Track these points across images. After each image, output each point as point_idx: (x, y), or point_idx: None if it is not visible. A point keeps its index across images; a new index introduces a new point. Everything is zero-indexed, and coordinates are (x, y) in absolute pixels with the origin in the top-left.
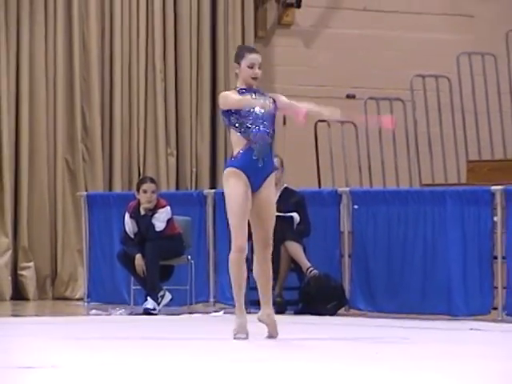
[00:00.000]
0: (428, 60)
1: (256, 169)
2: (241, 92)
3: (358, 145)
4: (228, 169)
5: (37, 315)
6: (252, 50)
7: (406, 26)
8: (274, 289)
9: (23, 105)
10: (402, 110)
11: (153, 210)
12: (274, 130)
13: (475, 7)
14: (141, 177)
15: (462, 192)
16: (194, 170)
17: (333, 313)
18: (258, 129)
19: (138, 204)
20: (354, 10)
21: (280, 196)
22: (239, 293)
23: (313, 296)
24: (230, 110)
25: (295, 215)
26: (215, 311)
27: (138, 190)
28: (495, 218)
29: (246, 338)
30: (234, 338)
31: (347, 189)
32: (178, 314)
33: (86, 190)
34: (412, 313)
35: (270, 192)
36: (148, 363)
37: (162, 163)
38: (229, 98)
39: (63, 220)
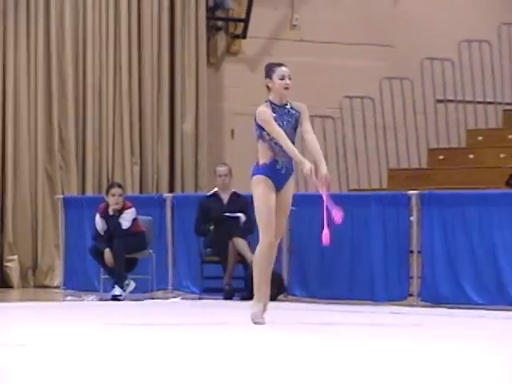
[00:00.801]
0: (355, 83)
1: (279, 175)
2: (272, 107)
3: None
4: (257, 176)
5: (20, 301)
6: (281, 64)
7: (336, 54)
8: (222, 278)
9: (8, 121)
10: (333, 126)
11: (120, 211)
12: (293, 142)
13: (395, 37)
14: (109, 182)
15: (384, 196)
16: (155, 176)
17: (273, 299)
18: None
19: (107, 206)
20: (291, 40)
21: (229, 199)
22: (262, 283)
23: None
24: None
25: (241, 215)
26: (173, 297)
27: (107, 194)
28: (411, 218)
29: (263, 323)
30: (254, 323)
31: None
32: (141, 300)
33: (63, 194)
34: (341, 299)
35: (289, 192)
36: (113, 342)
37: (127, 170)
38: (269, 124)
39: (43, 219)
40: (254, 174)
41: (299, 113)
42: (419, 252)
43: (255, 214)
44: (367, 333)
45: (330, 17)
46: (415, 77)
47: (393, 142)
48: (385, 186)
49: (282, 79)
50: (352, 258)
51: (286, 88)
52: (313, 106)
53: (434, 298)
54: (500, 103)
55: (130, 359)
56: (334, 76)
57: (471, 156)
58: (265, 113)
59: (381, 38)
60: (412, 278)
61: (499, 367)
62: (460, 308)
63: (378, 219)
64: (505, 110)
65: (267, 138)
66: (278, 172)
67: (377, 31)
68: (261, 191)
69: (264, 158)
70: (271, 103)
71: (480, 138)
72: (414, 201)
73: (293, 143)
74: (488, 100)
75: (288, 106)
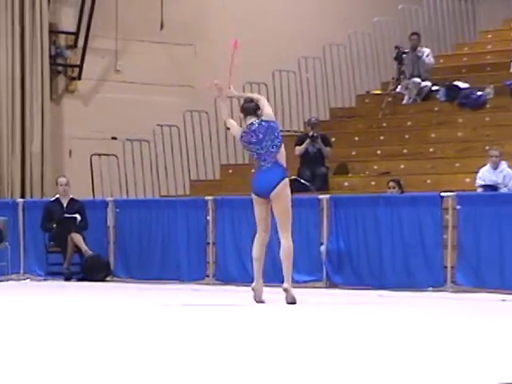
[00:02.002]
0: (165, 115)
1: None
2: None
3: (120, 174)
4: (287, 178)
5: None
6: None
7: (150, 92)
8: (63, 264)
9: None
10: (148, 148)
11: None
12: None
13: (194, 79)
14: None
15: (187, 201)
16: (10, 184)
17: (103, 280)
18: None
19: None
20: (116, 81)
21: (68, 203)
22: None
23: (89, 269)
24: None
25: (78, 216)
26: (24, 279)
27: None
28: (208, 218)
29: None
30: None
31: (112, 198)
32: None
33: None
34: (156, 279)
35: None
36: None
37: None
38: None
39: None
40: (286, 176)
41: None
42: (214, 243)
43: (287, 211)
44: (179, 304)
45: (145, 63)
46: (211, 110)
47: (194, 160)
48: (188, 193)
49: None
50: (163, 247)
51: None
52: (133, 132)
53: (225, 277)
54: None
55: None
56: (149, 109)
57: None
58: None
59: (184, 80)
60: (208, 262)
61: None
62: (245, 285)
63: (183, 218)
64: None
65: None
66: None
67: (181, 75)
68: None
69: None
70: None
71: None
72: (209, 204)
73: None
74: None
75: (255, 124)
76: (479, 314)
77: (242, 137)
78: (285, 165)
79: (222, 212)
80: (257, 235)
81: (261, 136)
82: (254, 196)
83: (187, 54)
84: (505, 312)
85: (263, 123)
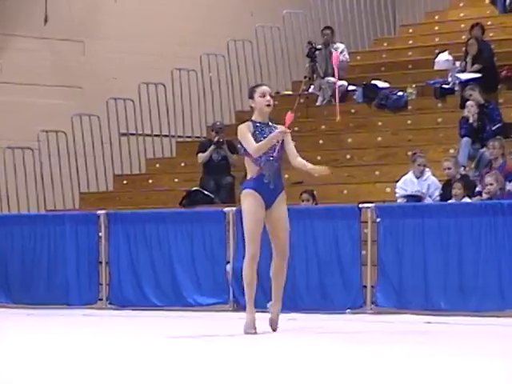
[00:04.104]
0: (50, 119)
1: (268, 190)
2: (255, 126)
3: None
4: (245, 190)
5: None
6: (262, 84)
7: (34, 94)
8: None
9: None
10: (32, 156)
11: None
12: (280, 156)
13: (83, 80)
14: None
15: (76, 215)
16: None
17: None
18: (267, 159)
19: None
20: None
21: None
22: (251, 293)
23: None
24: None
25: None
26: None
27: None
28: (100, 234)
29: (255, 333)
30: (245, 333)
31: None
32: None
33: None
34: (42, 303)
35: (281, 208)
36: None
37: None
38: (244, 137)
39: None
40: (243, 188)
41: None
42: (107, 262)
43: (243, 227)
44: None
45: (27, 62)
46: (102, 114)
47: (84, 170)
48: (77, 206)
49: (263, 96)
50: (49, 268)
51: (268, 105)
52: (14, 139)
53: (120, 301)
54: (173, 136)
55: None
56: (33, 113)
57: (150, 181)
58: (241, 129)
59: (72, 80)
60: (101, 284)
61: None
62: (142, 310)
63: (72, 235)
64: (178, 142)
65: (250, 153)
66: (266, 186)
67: (68, 75)
68: (248, 204)
69: (251, 172)
70: (253, 122)
71: (158, 165)
72: (102, 219)
73: (274, 158)
74: (164, 133)
75: (272, 124)
76: (401, 340)
77: None
78: (248, 176)
79: (115, 228)
80: None
81: None
82: None
83: (75, 51)
84: (430, 336)
85: None
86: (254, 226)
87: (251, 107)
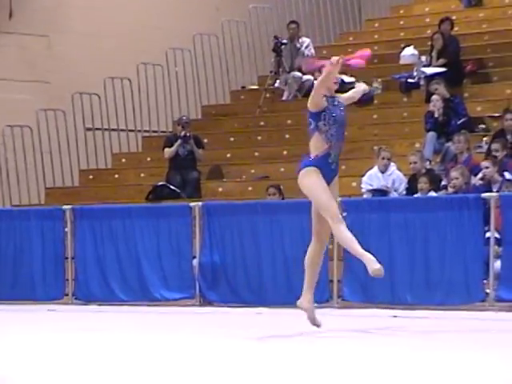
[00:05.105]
0: (15, 114)
1: (329, 170)
2: (325, 98)
3: None
4: (309, 168)
5: None
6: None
7: None
8: None
9: None
10: None
11: None
12: (343, 134)
13: (49, 75)
14: None
15: (42, 210)
16: None
17: None
18: (338, 138)
19: None
20: None
21: None
22: (360, 250)
23: None
24: (320, 116)
25: None
26: None
27: None
28: (66, 229)
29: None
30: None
31: None
32: None
33: None
34: (7, 299)
35: (334, 189)
36: None
37: None
38: (314, 98)
39: None
40: (305, 166)
41: (343, 102)
42: (73, 258)
43: (313, 201)
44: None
45: None
46: (68, 109)
47: (49, 165)
48: (43, 201)
49: None
50: (15, 263)
51: (335, 83)
52: None
53: (86, 296)
54: (139, 131)
55: None
56: None
57: (116, 176)
58: (312, 96)
59: (37, 75)
60: (67, 280)
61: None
62: (109, 305)
63: (38, 230)
64: (144, 137)
65: (324, 128)
66: (329, 166)
67: (33, 69)
68: (313, 180)
69: (317, 150)
70: (323, 95)
71: (124, 160)
72: (67, 214)
73: (343, 135)
74: (130, 128)
75: (336, 98)
76: (369, 334)
77: None
78: (312, 155)
79: (81, 223)
80: None
81: None
82: None
83: (40, 46)
84: (396, 330)
85: None
86: (325, 191)
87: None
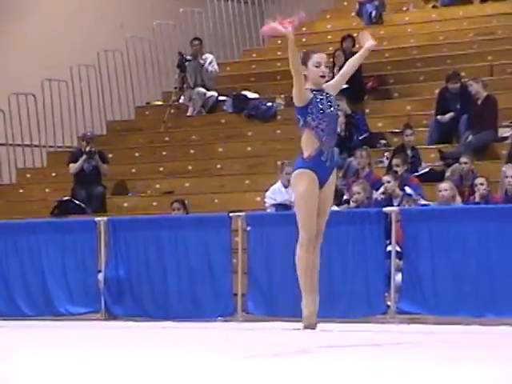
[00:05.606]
0: None
1: (324, 168)
2: (311, 91)
3: None
4: (301, 169)
5: None
6: (316, 51)
7: None
8: None
9: None
10: None
11: None
12: (335, 129)
13: None
14: None
15: None
16: None
17: None
18: (329, 132)
19: None
20: None
21: None
22: (306, 279)
23: None
24: (307, 110)
25: None
26: None
27: None
28: None
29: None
30: (304, 328)
31: None
32: None
33: None
34: None
35: (332, 188)
36: None
37: None
38: (295, 85)
39: None
40: (298, 167)
41: (333, 91)
42: None
43: (295, 208)
44: None
45: None
46: None
47: None
48: None
49: (317, 66)
50: None
51: (322, 76)
52: None
53: None
54: (44, 146)
55: None
56: None
57: (21, 191)
58: (294, 92)
59: None
60: None
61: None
62: (13, 320)
63: None
64: (48, 152)
65: (313, 123)
66: (323, 165)
67: None
68: (304, 187)
69: (309, 148)
70: (310, 89)
71: (28, 175)
72: None
73: (334, 130)
74: (34, 143)
75: (324, 91)
76: (273, 347)
77: None
78: (305, 154)
79: None
80: None
81: None
82: None
83: None
84: (299, 344)
85: None
86: (309, 207)
87: (304, 75)
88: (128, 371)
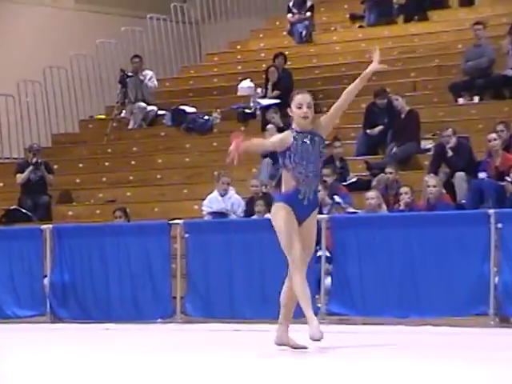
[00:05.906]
0: None
1: (301, 206)
2: (294, 133)
3: None
4: (277, 203)
5: None
6: (300, 92)
7: None
8: None
9: None
10: None
11: None
12: (320, 170)
13: None
14: None
15: None
16: None
17: None
18: (307, 175)
19: None
20: None
21: None
22: (308, 301)
23: None
24: (285, 154)
25: None
26: None
27: None
28: None
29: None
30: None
31: None
32: None
33: None
34: None
35: (313, 224)
36: None
37: None
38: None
39: None
40: (275, 201)
41: (321, 132)
42: None
43: (279, 238)
44: None
45: None
46: None
47: None
48: None
49: (299, 108)
50: None
51: (304, 117)
52: None
53: None
54: None
55: None
56: None
57: None
58: (277, 136)
59: None
60: None
61: None
62: None
63: None
64: None
65: (290, 166)
66: (299, 202)
67: None
68: (281, 216)
69: (286, 185)
70: (294, 131)
71: None
72: None
73: (315, 172)
74: None
75: (308, 132)
76: (211, 347)
77: None
78: (282, 189)
79: None
80: None
81: None
82: None
83: None
84: (236, 343)
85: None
86: (289, 232)
87: (290, 116)
88: (72, 370)
